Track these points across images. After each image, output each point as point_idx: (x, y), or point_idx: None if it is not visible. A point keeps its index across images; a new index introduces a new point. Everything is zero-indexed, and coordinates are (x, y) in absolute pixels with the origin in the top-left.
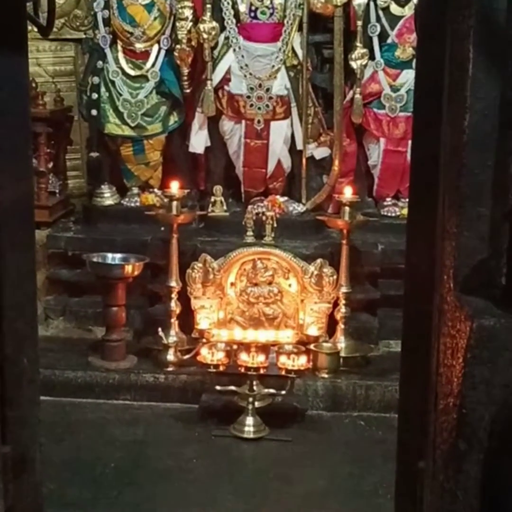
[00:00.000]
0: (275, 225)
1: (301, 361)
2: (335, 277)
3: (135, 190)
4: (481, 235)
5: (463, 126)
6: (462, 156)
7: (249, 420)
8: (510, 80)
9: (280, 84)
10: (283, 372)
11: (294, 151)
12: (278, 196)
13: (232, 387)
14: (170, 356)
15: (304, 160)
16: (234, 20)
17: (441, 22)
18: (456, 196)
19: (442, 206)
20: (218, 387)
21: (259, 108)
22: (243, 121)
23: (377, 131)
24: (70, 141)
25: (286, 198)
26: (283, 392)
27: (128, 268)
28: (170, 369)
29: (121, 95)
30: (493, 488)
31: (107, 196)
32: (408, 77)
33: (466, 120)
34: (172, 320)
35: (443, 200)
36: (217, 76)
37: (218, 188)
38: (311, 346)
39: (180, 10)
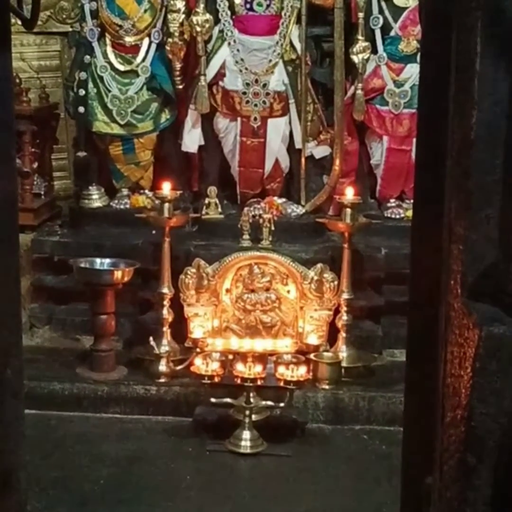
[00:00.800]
0: (272, 228)
1: (301, 372)
2: (336, 282)
3: (125, 191)
4: (490, 238)
5: (470, 123)
6: (470, 155)
7: (246, 434)
8: None
9: (278, 80)
10: (282, 383)
11: (292, 150)
12: (275, 198)
13: (228, 400)
14: (162, 367)
15: (303, 160)
16: (229, 12)
17: (447, 13)
18: (463, 197)
19: (449, 207)
20: (213, 400)
21: (255, 105)
22: (239, 119)
23: (380, 128)
24: (56, 140)
25: (284, 199)
26: (282, 404)
27: (118, 274)
28: (162, 380)
29: (109, 91)
30: (504, 506)
31: (95, 198)
32: (412, 71)
33: (474, 117)
34: (164, 328)
35: (450, 201)
36: (211, 71)
37: (212, 189)
38: (311, 356)
39: (172, 2)
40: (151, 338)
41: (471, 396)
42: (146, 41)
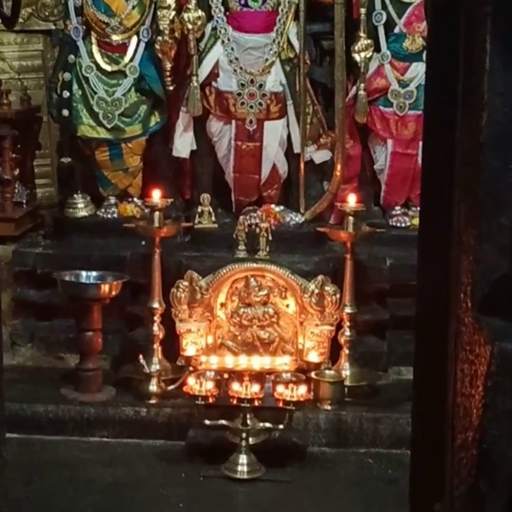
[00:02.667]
0: (270, 238)
1: (301, 391)
2: (338, 296)
3: (112, 199)
4: (502, 248)
5: (480, 125)
6: (479, 160)
7: (243, 458)
8: None
9: (275, 80)
10: (281, 404)
11: (290, 155)
12: (273, 205)
13: (223, 422)
14: (153, 387)
15: (302, 165)
16: (222, 8)
17: (454, 9)
18: (473, 204)
19: (457, 215)
20: (207, 422)
21: (251, 107)
22: (233, 121)
23: (384, 131)
24: (38, 145)
25: (282, 207)
26: (281, 426)
27: (105, 288)
28: (152, 401)
29: (96, 93)
30: None
31: (81, 207)
32: (418, 70)
33: (483, 119)
34: (155, 346)
35: (458, 209)
36: (204, 71)
37: (205, 197)
38: (312, 374)
39: None
40: (140, 356)
41: (483, 416)
42: (134, 40)
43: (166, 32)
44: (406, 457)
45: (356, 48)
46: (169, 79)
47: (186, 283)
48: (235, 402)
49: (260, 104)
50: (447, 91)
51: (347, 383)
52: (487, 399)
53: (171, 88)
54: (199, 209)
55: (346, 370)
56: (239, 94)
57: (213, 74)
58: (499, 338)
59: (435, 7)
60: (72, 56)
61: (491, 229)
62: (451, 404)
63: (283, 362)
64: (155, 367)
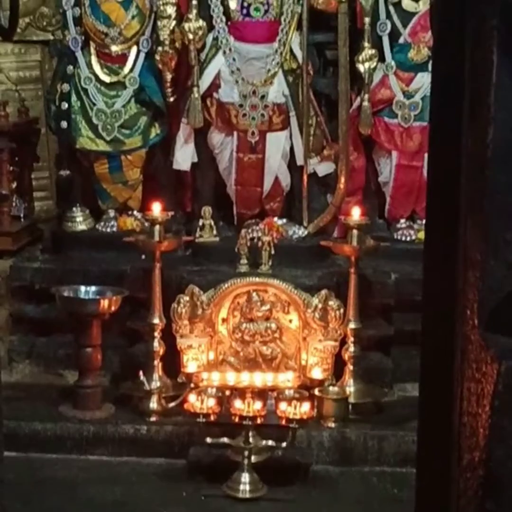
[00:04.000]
0: (272, 251)
1: (304, 409)
2: (342, 311)
3: (112, 213)
4: (509, 264)
5: (486, 139)
6: (486, 174)
7: (245, 477)
8: None
9: (277, 91)
10: (284, 422)
11: (293, 167)
12: (275, 219)
13: (225, 439)
14: (153, 404)
15: (305, 177)
16: (223, 18)
17: (460, 20)
18: (480, 219)
19: (464, 230)
20: (208, 440)
21: (253, 118)
22: (235, 133)
23: (388, 143)
24: (36, 158)
25: (285, 220)
26: (284, 444)
27: (104, 303)
28: (153, 419)
29: (94, 104)
30: None
31: (80, 221)
32: (423, 81)
33: (490, 133)
34: (155, 362)
35: (465, 223)
36: (205, 82)
37: (206, 210)
38: (316, 391)
39: (162, 7)
40: (140, 373)
41: (490, 436)
42: (134, 50)
43: (167, 42)
44: (411, 475)
45: (360, 58)
46: (169, 90)
47: (187, 298)
48: (237, 419)
49: (262, 115)
50: (453, 102)
51: (351, 400)
52: (494, 419)
53: (171, 99)
54: (200, 222)
55: (350, 387)
56: (241, 105)
57: (215, 85)
58: (506, 357)
59: (441, 18)
60: (71, 67)
61: (498, 245)
62: (457, 423)
63: (286, 379)
64: (155, 384)
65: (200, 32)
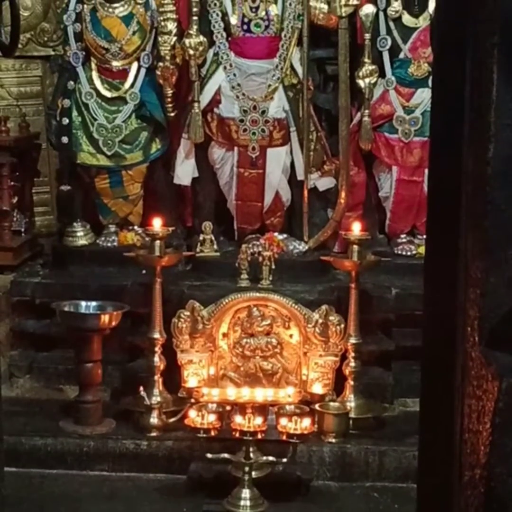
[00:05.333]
0: (273, 266)
1: (305, 424)
2: (342, 326)
3: (112, 228)
4: (510, 281)
5: (487, 156)
6: (486, 191)
7: (245, 492)
8: None
9: (278, 106)
10: (284, 437)
11: (294, 182)
12: (276, 234)
13: (225, 455)
14: (154, 420)
15: (305, 192)
16: (224, 34)
17: (461, 36)
18: (480, 236)
19: (464, 246)
20: (209, 455)
21: (253, 133)
22: (236, 148)
23: (388, 158)
24: (37, 173)
25: (285, 235)
26: (284, 460)
27: (105, 318)
28: (153, 434)
29: (95, 119)
30: None
31: (80, 235)
32: (423, 96)
33: (490, 150)
34: (156, 377)
35: (465, 239)
36: (206, 97)
37: (207, 225)
38: (316, 406)
39: (162, 23)
40: (141, 388)
41: (490, 454)
42: (134, 66)
43: (167, 58)
44: (412, 491)
45: (360, 73)
46: (170, 105)
47: (187, 313)
48: (237, 435)
49: (263, 130)
50: (453, 118)
51: (352, 415)
52: (495, 436)
53: (172, 114)
54: (201, 237)
55: (351, 402)
56: (241, 121)
57: (215, 101)
58: (507, 374)
59: (441, 35)
60: (72, 82)
61: (498, 262)
62: (458, 440)
63: (287, 394)
64: (156, 399)
65: (201, 48)
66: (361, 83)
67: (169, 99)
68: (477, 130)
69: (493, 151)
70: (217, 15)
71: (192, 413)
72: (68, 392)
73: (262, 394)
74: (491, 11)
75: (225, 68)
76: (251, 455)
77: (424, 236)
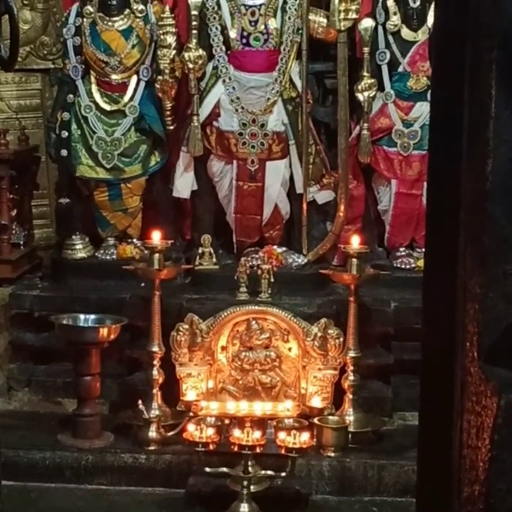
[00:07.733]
0: (272, 279)
1: (304, 438)
2: (341, 339)
3: (111, 241)
4: (509, 296)
5: (486, 172)
6: (485, 206)
7: (244, 507)
8: None
9: (277, 119)
10: (283, 451)
11: (293, 195)
12: (275, 247)
13: (224, 469)
14: (152, 433)
15: (304, 205)
16: (223, 48)
17: (460, 52)
18: (479, 251)
19: (463, 261)
20: (207, 469)
21: (252, 147)
22: (235, 162)
23: (387, 171)
24: (36, 186)
25: (284, 248)
26: (283, 474)
27: (103, 332)
28: (152, 448)
29: (95, 132)
30: None
31: (79, 248)
32: (422, 110)
33: (489, 165)
34: (154, 390)
35: (464, 253)
36: (205, 110)
37: (206, 238)
38: (315, 420)
39: (162, 37)
40: (139, 402)
41: (489, 470)
42: (134, 79)
43: (167, 71)
44: (411, 505)
45: (359, 87)
46: (169, 118)
47: (186, 326)
48: (236, 449)
49: (262, 144)
50: (452, 132)
51: (351, 429)
52: (494, 453)
53: (171, 127)
54: (200, 250)
55: (350, 416)
56: (240, 134)
57: (214, 114)
58: (506, 390)
59: (440, 49)
60: (71, 96)
61: (497, 277)
62: (457, 456)
63: (285, 408)
64: (154, 412)
65: (200, 61)
66: (360, 96)
67: (168, 112)
68: (476, 145)
69: (492, 166)
70: (217, 28)
71: (191, 427)
72: (67, 406)
73: (260, 407)
74: (489, 27)
75: (224, 81)
76: (250, 469)
77: (423, 249)
